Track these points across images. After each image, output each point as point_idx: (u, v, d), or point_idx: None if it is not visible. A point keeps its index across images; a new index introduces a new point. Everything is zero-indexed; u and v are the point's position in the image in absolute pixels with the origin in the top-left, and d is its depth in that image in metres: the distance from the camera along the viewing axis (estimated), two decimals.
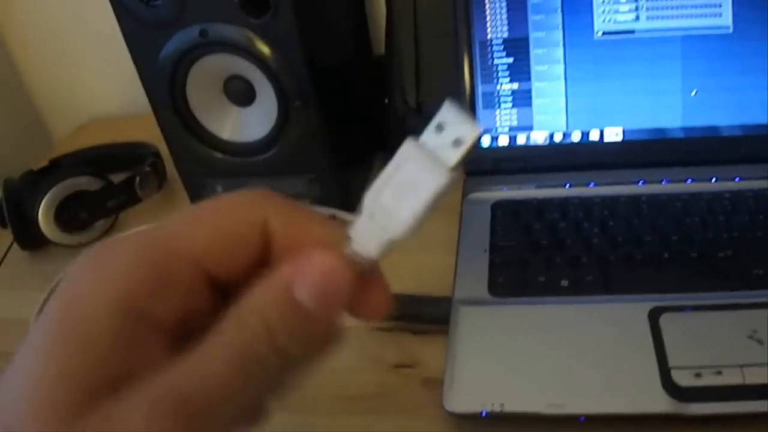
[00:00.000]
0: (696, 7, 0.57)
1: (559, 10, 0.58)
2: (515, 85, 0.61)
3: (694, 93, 0.59)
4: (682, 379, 0.42)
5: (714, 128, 0.59)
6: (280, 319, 0.23)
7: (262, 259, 0.25)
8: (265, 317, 0.23)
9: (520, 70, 0.60)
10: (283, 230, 0.25)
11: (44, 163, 0.74)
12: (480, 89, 0.61)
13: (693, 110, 0.59)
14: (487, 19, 0.60)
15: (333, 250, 0.24)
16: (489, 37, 0.60)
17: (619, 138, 0.60)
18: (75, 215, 0.66)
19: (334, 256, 0.24)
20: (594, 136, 0.61)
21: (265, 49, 0.56)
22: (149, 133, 0.72)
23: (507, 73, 0.61)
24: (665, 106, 0.59)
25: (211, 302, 0.25)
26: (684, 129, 0.59)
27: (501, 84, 0.61)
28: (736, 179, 0.57)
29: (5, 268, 0.68)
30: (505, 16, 0.59)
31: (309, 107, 0.59)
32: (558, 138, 0.61)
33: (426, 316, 0.51)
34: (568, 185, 0.60)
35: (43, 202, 0.65)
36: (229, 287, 0.25)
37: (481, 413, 0.43)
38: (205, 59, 0.58)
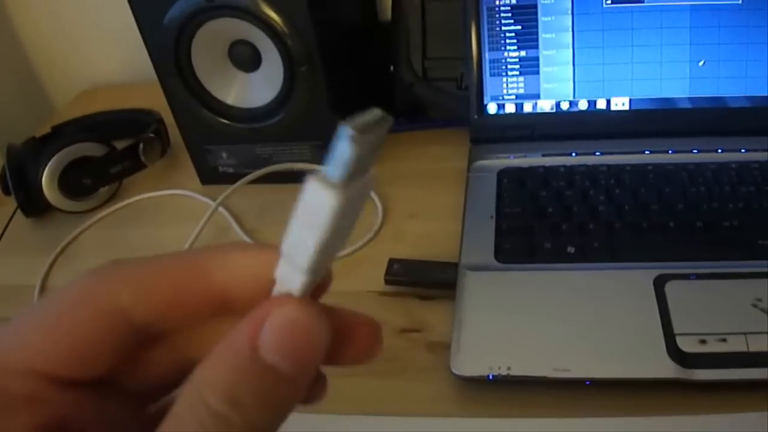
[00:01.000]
0: None
1: None
2: (523, 53, 0.61)
3: (701, 63, 0.58)
4: (687, 345, 0.43)
5: (720, 99, 0.59)
6: (249, 389, 0.19)
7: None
8: (230, 392, 0.19)
9: (528, 38, 0.60)
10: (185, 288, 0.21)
11: (46, 129, 0.73)
12: (487, 56, 0.61)
13: (700, 81, 0.59)
14: None
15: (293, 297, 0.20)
16: (497, 2, 0.60)
17: (625, 107, 0.60)
18: (79, 181, 0.66)
19: (296, 302, 0.20)
20: (601, 105, 0.61)
21: (271, 13, 0.55)
22: (152, 100, 0.72)
23: (515, 40, 0.60)
24: (672, 76, 0.59)
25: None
26: (691, 99, 0.59)
27: (508, 51, 0.61)
28: (742, 150, 0.58)
29: (9, 235, 0.68)
30: None
31: (315, 72, 0.58)
32: (565, 106, 0.61)
33: (432, 281, 0.52)
34: (574, 153, 0.60)
35: (47, 168, 0.64)
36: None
37: (488, 377, 0.44)
38: (211, 23, 0.58)
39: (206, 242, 0.62)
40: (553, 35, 0.60)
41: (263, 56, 0.59)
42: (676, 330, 0.44)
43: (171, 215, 0.65)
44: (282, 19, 0.56)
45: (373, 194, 0.62)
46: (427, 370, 0.47)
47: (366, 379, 0.48)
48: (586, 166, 0.58)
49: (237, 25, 0.57)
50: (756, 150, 0.57)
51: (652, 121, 0.60)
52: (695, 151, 0.58)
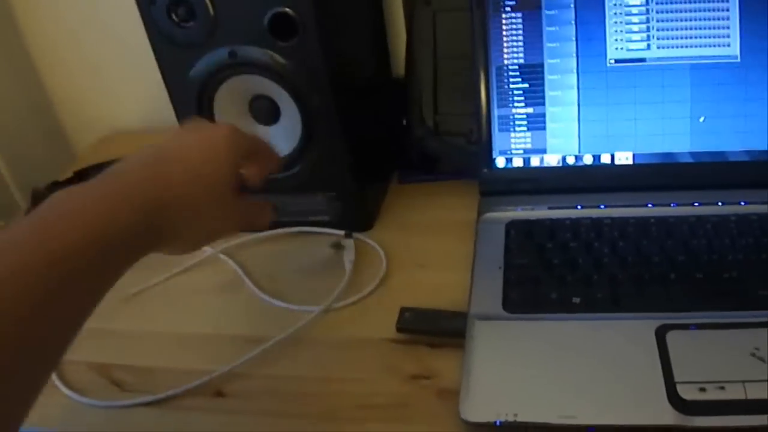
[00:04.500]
0: (705, 37, 0.59)
1: (574, 38, 0.61)
2: (530, 110, 0.63)
3: (702, 119, 0.61)
4: (687, 393, 0.45)
5: (721, 153, 0.61)
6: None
7: None
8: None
9: (535, 95, 0.63)
10: None
11: (68, 174, 0.76)
12: (496, 112, 0.64)
13: (701, 136, 0.61)
14: (504, 45, 0.62)
15: None
16: (506, 62, 0.63)
17: (629, 162, 0.63)
18: None
19: None
20: (605, 159, 0.63)
21: (291, 70, 0.59)
22: None
23: (522, 97, 0.63)
24: (674, 131, 0.62)
25: None
26: (692, 154, 0.62)
27: (516, 107, 0.63)
28: (742, 203, 0.60)
29: None
30: (521, 43, 0.62)
31: (332, 127, 0.61)
32: (570, 161, 0.64)
33: (442, 329, 0.54)
34: (579, 206, 0.62)
35: None
36: None
37: (496, 423, 0.45)
38: (233, 79, 0.61)
39: (217, 292, 0.64)
40: (559, 93, 0.62)
41: (282, 110, 0.62)
42: (676, 378, 0.45)
43: (181, 263, 0.67)
44: (301, 76, 0.59)
45: (375, 245, 0.64)
46: (437, 416, 0.49)
47: (379, 425, 0.49)
48: (591, 218, 0.60)
49: (258, 81, 0.60)
50: (755, 203, 0.59)
51: (655, 175, 0.62)
52: (696, 204, 0.60)
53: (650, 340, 0.48)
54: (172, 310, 0.63)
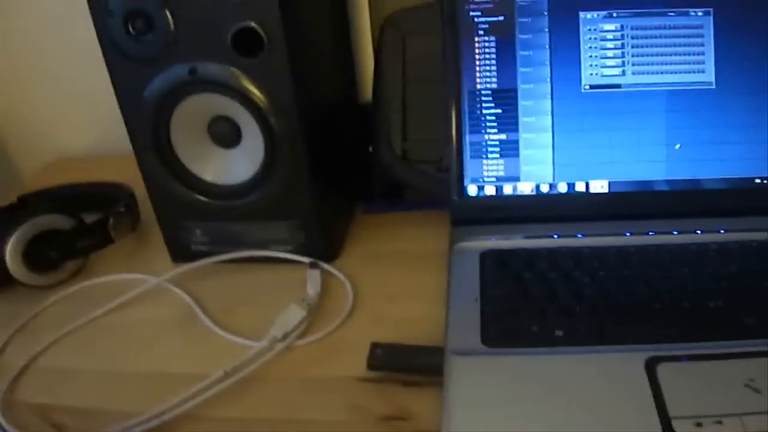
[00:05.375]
0: (680, 63, 0.58)
1: (548, 62, 0.59)
2: (503, 136, 0.61)
3: (678, 146, 0.60)
4: (683, 428, 0.42)
5: (697, 181, 0.60)
6: None
7: None
8: None
9: (508, 121, 0.61)
10: None
11: (12, 200, 0.71)
12: (468, 138, 0.61)
13: (677, 163, 0.60)
14: (477, 69, 0.60)
15: None
16: (478, 87, 0.60)
17: (605, 190, 0.61)
18: (44, 255, 0.64)
19: None
20: (580, 187, 0.61)
21: (255, 89, 0.55)
22: (123, 172, 0.71)
23: (495, 123, 0.61)
24: (650, 158, 0.60)
25: None
26: (668, 182, 0.60)
27: (489, 134, 0.61)
28: (721, 231, 0.58)
29: None
30: (494, 67, 0.60)
31: (296, 151, 0.58)
32: (545, 189, 0.61)
33: (418, 366, 0.50)
34: (556, 236, 0.59)
35: (12, 239, 0.62)
36: None
37: None
38: (192, 98, 0.57)
39: (167, 325, 0.59)
40: (533, 119, 0.60)
41: (243, 133, 0.59)
42: (671, 413, 0.42)
43: (136, 296, 0.62)
44: (265, 96, 0.55)
45: (341, 276, 0.61)
46: None
47: None
48: (568, 248, 0.58)
49: (219, 100, 0.56)
50: (734, 230, 0.58)
51: (631, 203, 0.60)
52: (675, 233, 0.58)
53: (640, 374, 0.45)
54: (116, 346, 0.58)
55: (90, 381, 0.55)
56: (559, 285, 0.54)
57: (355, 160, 0.70)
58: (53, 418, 0.52)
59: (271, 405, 0.50)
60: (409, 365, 0.50)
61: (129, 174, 0.70)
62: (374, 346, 0.51)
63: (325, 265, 0.62)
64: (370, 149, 0.67)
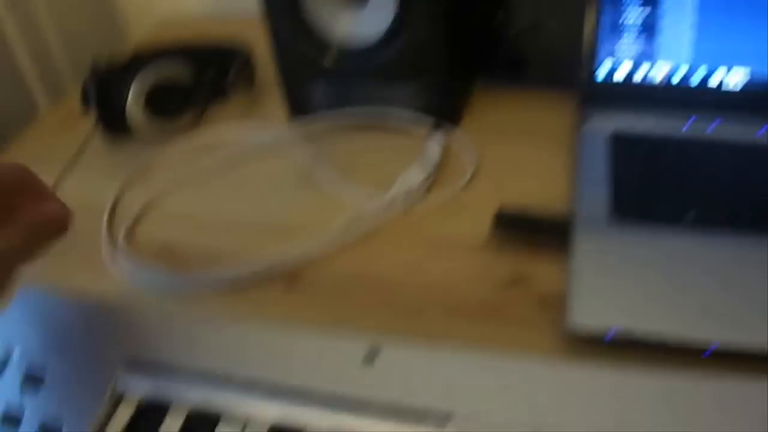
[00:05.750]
0: None
1: None
2: (641, 14, 0.57)
3: None
4: None
5: None
6: None
7: None
8: None
9: None
10: None
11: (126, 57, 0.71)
12: (604, 16, 0.58)
13: None
14: None
15: None
16: None
17: (745, 79, 0.57)
18: (163, 105, 0.64)
19: None
20: (720, 74, 0.58)
21: None
22: (238, 36, 0.71)
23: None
24: None
25: None
26: None
27: (627, 11, 0.58)
28: None
29: (87, 154, 0.66)
30: None
31: (428, 10, 0.56)
32: (681, 72, 0.58)
33: (544, 234, 0.49)
34: (688, 122, 0.57)
35: (132, 88, 0.62)
36: None
37: (607, 335, 0.41)
38: None
39: (287, 179, 0.59)
40: None
41: None
42: None
43: (252, 149, 0.63)
44: None
45: (463, 141, 0.60)
46: (535, 325, 0.45)
47: (469, 326, 0.45)
48: (700, 138, 0.55)
49: None
50: None
51: None
52: None
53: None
54: (234, 195, 0.59)
55: (209, 225, 0.56)
56: (691, 171, 0.52)
57: (482, 29, 0.67)
58: (177, 257, 0.53)
59: (391, 262, 0.50)
60: (536, 231, 0.50)
61: (246, 36, 0.70)
62: (501, 210, 0.51)
63: (447, 130, 0.61)
64: (499, 18, 0.64)
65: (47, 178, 0.62)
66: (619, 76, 0.59)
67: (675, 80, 0.58)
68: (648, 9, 0.57)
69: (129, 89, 0.62)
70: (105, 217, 0.58)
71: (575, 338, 0.42)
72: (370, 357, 0.38)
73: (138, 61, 0.67)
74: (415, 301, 0.47)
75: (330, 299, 0.48)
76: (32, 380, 0.41)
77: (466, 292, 0.47)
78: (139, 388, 0.39)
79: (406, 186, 0.54)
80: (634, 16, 0.58)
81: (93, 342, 0.42)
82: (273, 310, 0.48)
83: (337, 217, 0.53)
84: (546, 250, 0.49)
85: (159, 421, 0.38)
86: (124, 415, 0.38)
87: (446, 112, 0.61)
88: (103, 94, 0.63)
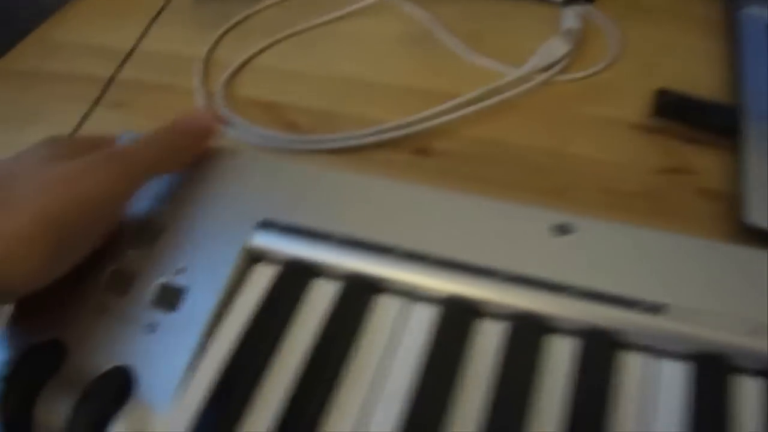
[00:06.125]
0: None
1: None
2: None
3: None
4: None
5: None
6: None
7: None
8: None
9: None
10: None
11: None
12: None
13: None
14: None
15: None
16: None
17: None
18: None
19: None
20: None
21: None
22: None
23: None
24: None
25: None
26: None
27: None
28: None
29: (175, 5, 0.60)
30: None
31: None
32: None
33: (709, 122, 0.43)
34: None
35: None
36: None
37: None
38: None
39: (405, 41, 0.53)
40: None
41: None
42: None
43: (364, 7, 0.56)
44: None
45: (604, 18, 0.53)
46: (701, 217, 0.39)
47: (624, 213, 0.40)
48: None
49: None
50: None
51: None
52: None
53: None
54: (346, 54, 0.53)
55: (320, 84, 0.50)
56: None
57: None
58: (284, 116, 0.48)
59: (531, 134, 0.45)
60: (699, 119, 0.44)
61: None
62: (663, 92, 0.45)
63: (582, 4, 0.54)
64: None
65: (133, 31, 0.57)
66: None
67: None
68: None
69: None
70: (201, 68, 0.52)
71: (748, 234, 0.37)
72: (563, 230, 0.32)
73: None
74: (561, 180, 0.42)
75: (466, 171, 0.43)
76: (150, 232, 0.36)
77: (619, 175, 0.42)
78: (275, 250, 0.34)
79: (547, 58, 0.48)
80: None
81: (224, 197, 0.36)
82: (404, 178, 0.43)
83: (467, 85, 0.47)
84: (706, 140, 0.43)
85: (304, 284, 0.33)
86: (262, 276, 0.33)
87: None
88: None
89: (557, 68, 0.48)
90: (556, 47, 0.48)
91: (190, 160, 0.37)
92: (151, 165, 0.34)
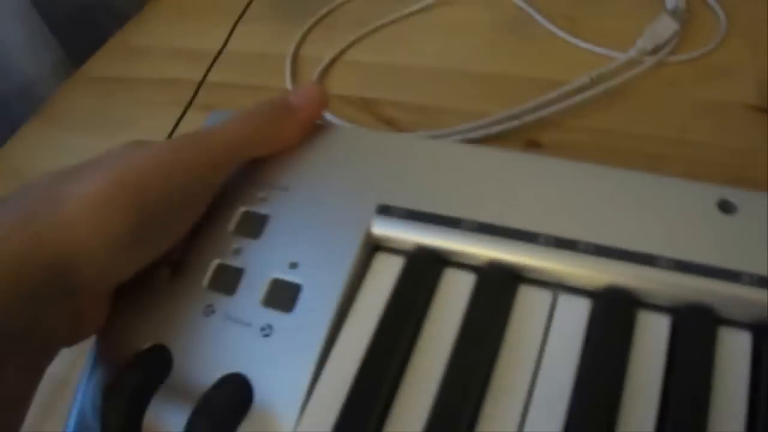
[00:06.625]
0: None
1: None
2: None
3: None
4: None
5: None
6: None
7: None
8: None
9: None
10: None
11: None
12: None
13: None
14: None
15: None
16: None
17: None
18: None
19: None
20: None
21: None
22: None
23: None
24: None
25: None
26: None
27: None
28: None
29: (257, 3, 0.59)
30: None
31: None
32: None
33: None
34: None
35: None
36: None
37: None
38: None
39: (500, 26, 0.51)
40: None
41: None
42: None
43: None
44: None
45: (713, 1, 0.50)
46: None
47: None
48: None
49: None
50: None
51: None
52: None
53: None
54: (438, 44, 0.51)
55: (414, 77, 0.49)
56: None
57: None
58: (380, 112, 0.47)
59: (646, 121, 0.43)
60: None
61: None
62: None
63: None
64: None
65: (214, 32, 0.56)
66: None
67: None
68: None
69: None
70: (288, 66, 0.51)
71: None
72: (726, 207, 0.29)
73: None
74: (684, 171, 0.40)
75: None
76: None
77: (745, 162, 0.40)
78: (398, 237, 0.30)
79: (655, 39, 0.45)
80: None
81: (338, 180, 0.32)
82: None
83: (571, 72, 0.45)
84: None
85: (437, 274, 0.29)
86: (387, 267, 0.30)
87: None
88: None
89: (667, 50, 0.46)
90: (664, 27, 0.46)
91: (294, 141, 0.33)
92: (242, 146, 0.31)
